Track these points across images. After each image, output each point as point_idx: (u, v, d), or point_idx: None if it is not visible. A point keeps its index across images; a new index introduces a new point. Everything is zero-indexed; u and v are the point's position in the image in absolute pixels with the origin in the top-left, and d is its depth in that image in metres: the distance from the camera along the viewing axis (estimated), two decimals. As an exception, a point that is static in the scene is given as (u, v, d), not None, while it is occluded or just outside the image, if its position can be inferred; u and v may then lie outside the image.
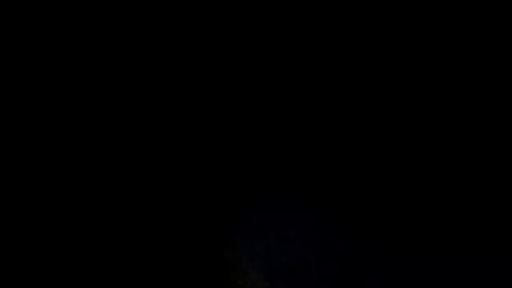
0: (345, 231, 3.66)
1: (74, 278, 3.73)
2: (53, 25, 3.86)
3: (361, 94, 3.84)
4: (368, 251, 3.61)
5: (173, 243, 3.83)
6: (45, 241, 3.79)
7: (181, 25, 3.99)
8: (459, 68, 3.85)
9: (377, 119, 3.87)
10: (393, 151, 3.82)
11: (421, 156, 3.81)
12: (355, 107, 3.88)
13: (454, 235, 3.71)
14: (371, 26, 3.91)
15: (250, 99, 3.98)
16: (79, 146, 3.92)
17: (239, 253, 3.68)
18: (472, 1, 3.78)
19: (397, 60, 3.91)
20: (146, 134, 3.99)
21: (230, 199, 3.84)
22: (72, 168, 3.90)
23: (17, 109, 3.87)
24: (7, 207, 3.78)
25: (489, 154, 3.80)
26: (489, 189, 3.76)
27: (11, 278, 3.65)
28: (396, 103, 3.87)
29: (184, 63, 4.03)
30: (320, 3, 3.93)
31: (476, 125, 3.83)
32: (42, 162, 3.88)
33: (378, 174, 3.80)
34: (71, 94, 3.93)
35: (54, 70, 3.91)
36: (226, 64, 4.03)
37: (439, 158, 3.83)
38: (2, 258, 3.70)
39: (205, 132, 4.00)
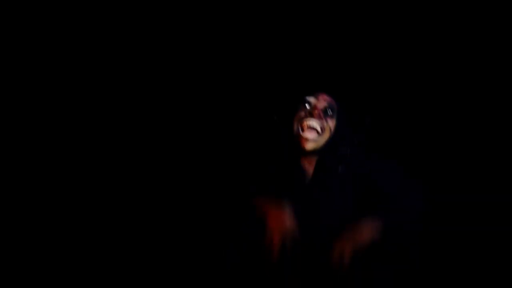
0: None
1: (73, 277, 3.73)
2: (53, 25, 3.88)
3: (360, 93, 3.84)
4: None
5: (173, 243, 3.83)
6: (50, 241, 3.78)
7: (181, 25, 4.00)
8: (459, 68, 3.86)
9: (377, 119, 3.86)
10: (393, 150, 3.81)
11: (422, 155, 3.81)
12: (354, 106, 3.87)
13: (454, 235, 3.70)
14: (371, 26, 3.92)
15: (250, 99, 3.98)
16: (79, 145, 3.93)
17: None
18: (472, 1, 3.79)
19: (397, 60, 3.92)
20: (145, 134, 4.00)
21: (230, 199, 3.83)
22: (71, 166, 3.91)
23: (17, 109, 3.88)
24: (7, 207, 3.78)
25: (489, 155, 3.80)
26: (489, 189, 3.75)
27: (11, 278, 3.65)
28: (395, 101, 3.88)
29: (183, 62, 4.05)
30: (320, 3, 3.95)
31: (477, 125, 3.83)
32: (42, 162, 3.88)
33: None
34: (71, 94, 3.95)
35: (54, 70, 3.93)
36: (226, 63, 4.05)
37: (439, 158, 3.83)
38: (2, 258, 3.69)
39: (204, 132, 4.01)
